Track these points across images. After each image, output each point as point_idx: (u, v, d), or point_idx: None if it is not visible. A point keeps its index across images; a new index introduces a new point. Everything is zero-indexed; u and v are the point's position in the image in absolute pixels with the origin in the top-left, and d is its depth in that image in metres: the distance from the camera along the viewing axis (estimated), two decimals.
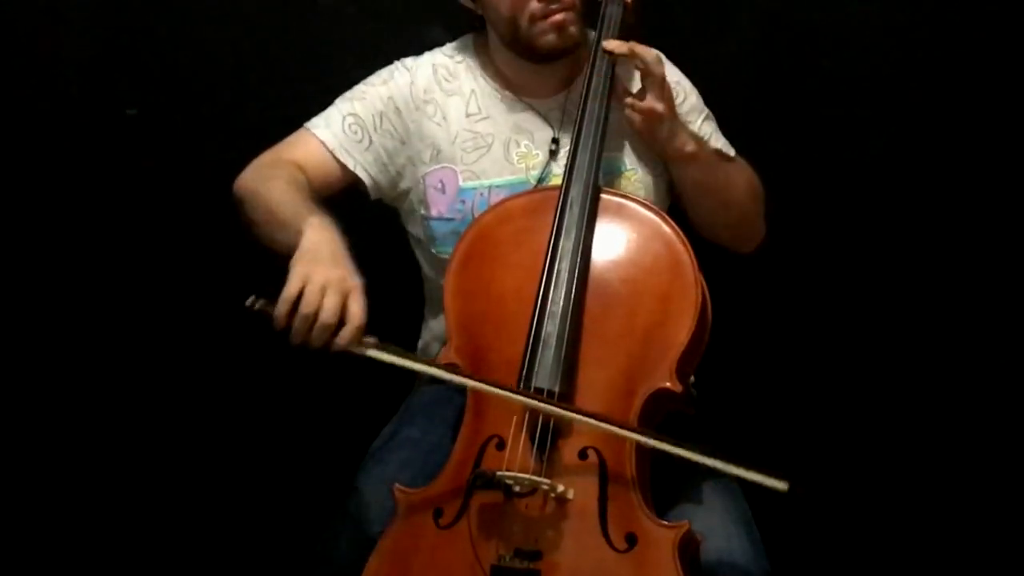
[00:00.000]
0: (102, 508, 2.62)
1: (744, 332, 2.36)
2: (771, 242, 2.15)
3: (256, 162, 2.03)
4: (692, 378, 1.88)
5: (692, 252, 1.86)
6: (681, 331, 1.80)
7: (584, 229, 1.86)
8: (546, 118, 2.07)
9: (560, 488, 1.73)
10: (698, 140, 2.01)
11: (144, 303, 2.58)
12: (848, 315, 2.59)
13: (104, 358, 2.59)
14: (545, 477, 1.74)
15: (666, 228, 1.88)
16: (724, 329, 1.89)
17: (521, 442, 1.77)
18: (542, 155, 2.06)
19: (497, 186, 2.04)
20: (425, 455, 1.96)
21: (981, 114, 2.52)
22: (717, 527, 1.83)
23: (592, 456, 1.76)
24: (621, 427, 1.75)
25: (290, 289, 1.71)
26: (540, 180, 2.04)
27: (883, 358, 2.59)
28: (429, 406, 2.08)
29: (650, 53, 1.94)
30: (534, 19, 1.96)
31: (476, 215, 2.01)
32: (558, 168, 2.01)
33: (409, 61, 2.11)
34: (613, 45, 1.95)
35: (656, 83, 1.93)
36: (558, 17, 1.96)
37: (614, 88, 1.96)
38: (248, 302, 1.72)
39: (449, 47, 2.13)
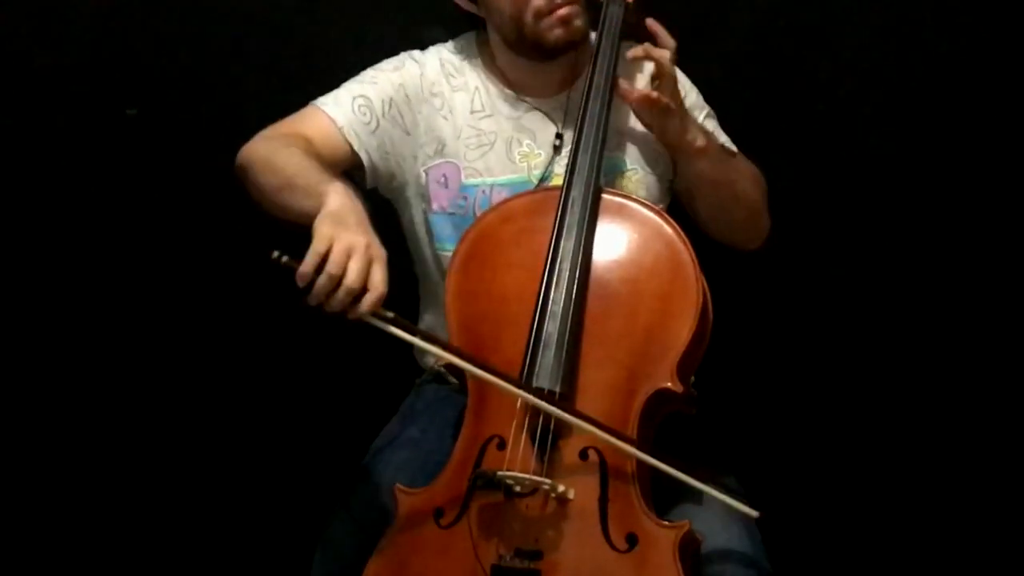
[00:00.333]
0: (102, 507, 2.63)
1: (745, 332, 2.36)
2: (771, 242, 2.15)
3: (264, 133, 2.00)
4: (692, 378, 1.88)
5: (693, 252, 1.86)
6: (682, 331, 1.80)
7: (585, 229, 1.86)
8: (549, 117, 2.07)
9: (561, 488, 1.73)
10: (706, 134, 2.01)
11: (145, 302, 2.58)
12: (849, 314, 2.59)
13: (105, 357, 2.59)
14: (546, 477, 1.74)
15: (667, 228, 1.88)
16: (725, 329, 1.89)
17: (522, 442, 1.77)
18: (544, 155, 2.06)
19: (499, 184, 2.04)
20: (425, 455, 1.97)
21: (981, 114, 2.52)
22: (717, 527, 1.83)
23: (593, 456, 1.76)
24: (621, 439, 1.75)
25: (318, 246, 1.67)
26: (542, 180, 2.04)
27: (884, 358, 2.59)
28: (430, 406, 2.09)
29: (664, 53, 1.94)
30: (539, 15, 1.96)
31: (477, 212, 2.01)
32: (559, 168, 2.01)
33: (416, 53, 2.11)
34: (632, 53, 1.96)
35: (670, 80, 1.94)
36: (563, 11, 1.96)
37: (615, 88, 1.96)
38: (274, 255, 1.67)
39: (452, 44, 2.13)
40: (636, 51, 1.96)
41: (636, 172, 2.07)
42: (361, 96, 2.03)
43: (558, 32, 1.97)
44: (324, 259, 1.66)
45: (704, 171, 2.01)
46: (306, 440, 2.59)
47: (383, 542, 1.81)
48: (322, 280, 1.66)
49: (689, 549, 1.74)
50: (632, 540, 1.72)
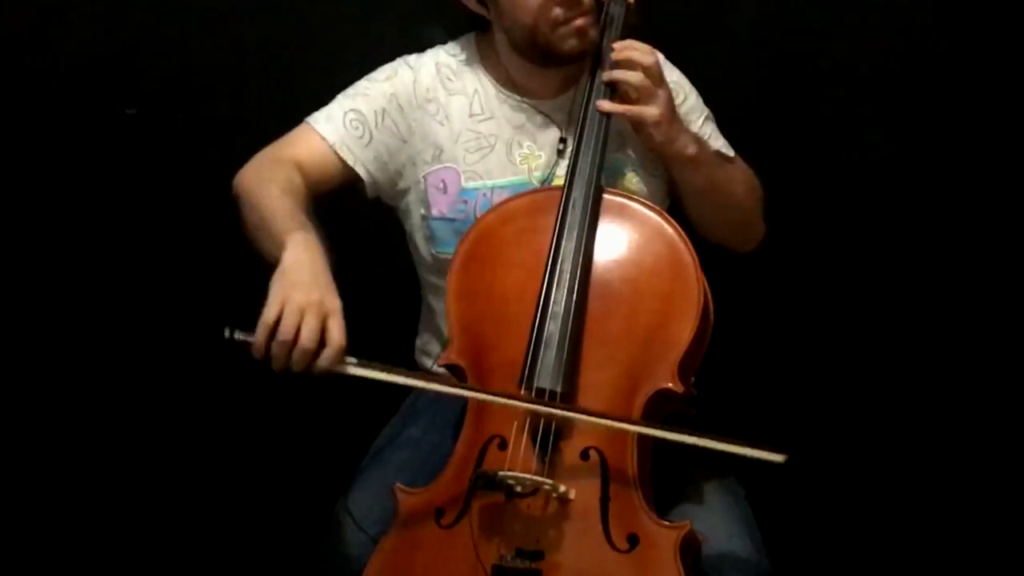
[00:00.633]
0: (103, 506, 2.63)
1: (746, 332, 2.36)
2: (771, 242, 2.15)
3: (257, 158, 2.01)
4: (693, 378, 1.88)
5: (694, 252, 1.86)
6: (683, 331, 1.80)
7: (586, 230, 1.85)
8: (550, 119, 2.06)
9: (562, 488, 1.73)
10: (699, 142, 2.00)
11: (144, 303, 2.58)
12: (849, 314, 2.59)
13: (105, 359, 2.59)
14: (547, 477, 1.74)
15: (668, 228, 1.88)
16: (726, 329, 1.89)
17: (523, 442, 1.77)
18: (545, 156, 2.05)
19: (500, 187, 2.04)
20: (426, 455, 1.97)
21: (981, 113, 2.52)
22: (718, 527, 1.83)
23: (594, 456, 1.76)
24: (622, 421, 1.75)
25: (268, 315, 1.69)
26: (543, 181, 2.03)
27: (884, 357, 2.59)
28: (429, 406, 2.09)
29: (630, 75, 1.92)
30: (556, 25, 1.95)
31: (478, 215, 2.01)
32: (562, 170, 2.01)
33: (412, 59, 2.10)
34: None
35: (644, 92, 1.92)
36: (580, 22, 1.95)
37: (616, 90, 1.96)
38: (226, 333, 1.70)
39: (452, 46, 2.12)
40: (610, 75, 1.93)
41: (637, 173, 2.07)
42: (352, 110, 2.04)
43: (572, 43, 1.97)
44: (276, 326, 1.68)
45: (695, 179, 2.00)
46: (306, 440, 2.59)
47: (383, 542, 1.81)
48: (275, 349, 1.69)
49: (690, 549, 1.74)
50: (633, 540, 1.72)
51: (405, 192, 2.09)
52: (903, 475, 2.60)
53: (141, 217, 2.56)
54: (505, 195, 2.01)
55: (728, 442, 1.71)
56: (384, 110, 2.05)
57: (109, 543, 2.62)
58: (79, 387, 2.60)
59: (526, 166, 2.05)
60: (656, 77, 1.92)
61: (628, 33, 1.99)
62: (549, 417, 1.76)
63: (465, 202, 2.04)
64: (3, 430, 2.59)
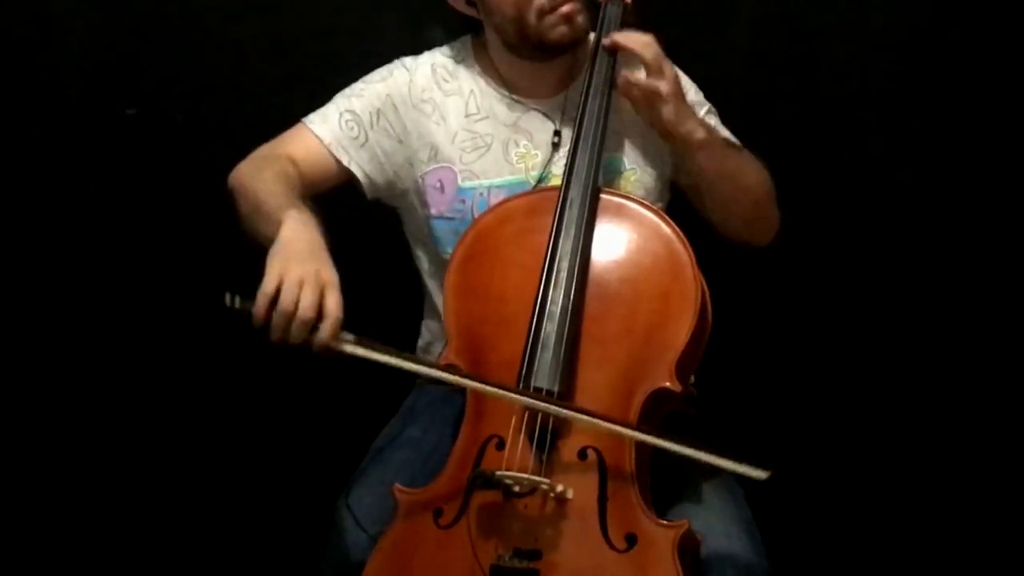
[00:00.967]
0: (103, 506, 2.63)
1: (744, 332, 2.36)
2: (772, 241, 2.15)
3: (252, 155, 2.02)
4: (692, 378, 1.88)
5: (692, 252, 1.86)
6: (681, 331, 1.80)
7: (584, 229, 1.86)
8: (547, 117, 2.06)
9: (560, 488, 1.73)
10: (707, 128, 1.99)
11: (144, 302, 2.58)
12: (849, 314, 2.59)
13: (105, 357, 2.59)
14: (545, 477, 1.74)
15: (665, 228, 1.88)
16: (724, 329, 1.89)
17: (521, 442, 1.77)
18: (541, 155, 2.06)
19: (497, 186, 2.04)
20: (425, 455, 1.97)
21: (981, 113, 2.52)
22: (717, 526, 1.83)
23: (592, 456, 1.76)
24: (619, 425, 1.75)
25: (267, 286, 1.69)
26: (540, 180, 2.04)
27: (884, 357, 2.59)
28: (429, 406, 2.09)
29: (638, 42, 1.93)
30: (542, 13, 1.96)
31: (476, 215, 2.01)
32: (557, 168, 2.01)
33: (408, 60, 2.11)
34: (606, 41, 1.95)
35: (653, 66, 1.92)
36: (566, 8, 1.96)
37: (614, 86, 1.96)
38: (227, 300, 1.70)
39: (448, 47, 2.13)
40: (606, 42, 1.95)
41: (634, 172, 2.07)
42: (348, 111, 2.05)
43: (562, 30, 1.97)
44: (276, 296, 1.68)
45: (706, 164, 1.99)
46: (306, 440, 2.59)
47: (382, 542, 1.81)
48: (276, 318, 1.69)
49: (688, 549, 1.74)
50: (631, 540, 1.72)
51: (405, 193, 2.10)
52: (903, 475, 2.59)
53: (141, 217, 2.56)
54: (502, 194, 2.02)
55: (713, 453, 1.71)
56: (379, 111, 2.05)
57: (109, 542, 2.62)
58: (79, 387, 2.60)
59: (523, 165, 2.06)
60: (661, 56, 1.92)
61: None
62: (545, 413, 1.76)
63: (462, 201, 2.05)
64: (3, 428, 2.59)
